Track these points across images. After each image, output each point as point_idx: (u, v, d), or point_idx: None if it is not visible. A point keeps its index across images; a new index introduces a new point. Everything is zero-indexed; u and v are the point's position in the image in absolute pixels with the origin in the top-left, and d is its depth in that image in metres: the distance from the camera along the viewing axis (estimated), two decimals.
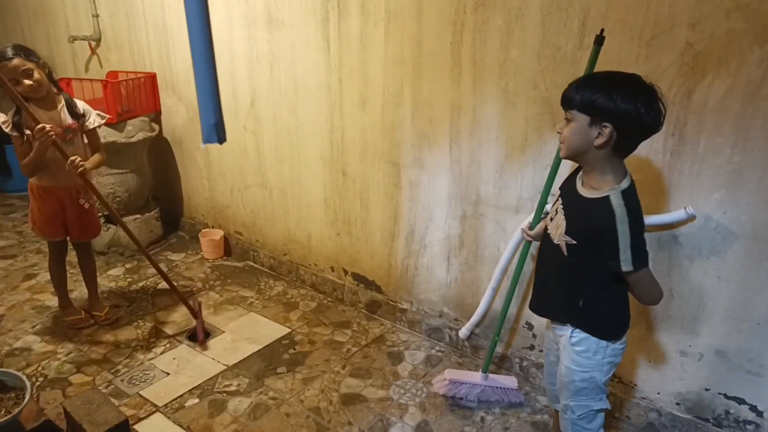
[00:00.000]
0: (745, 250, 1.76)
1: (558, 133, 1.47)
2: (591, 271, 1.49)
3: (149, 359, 2.55)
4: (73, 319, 2.79)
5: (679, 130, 1.77)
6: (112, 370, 2.47)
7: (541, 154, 2.10)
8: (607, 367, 1.57)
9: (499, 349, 2.48)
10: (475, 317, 2.47)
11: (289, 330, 2.78)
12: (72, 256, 2.79)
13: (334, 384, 2.39)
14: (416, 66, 2.34)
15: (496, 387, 2.27)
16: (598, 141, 1.37)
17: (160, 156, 3.81)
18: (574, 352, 1.57)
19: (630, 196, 1.40)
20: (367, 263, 2.88)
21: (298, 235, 3.17)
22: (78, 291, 3.05)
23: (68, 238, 2.71)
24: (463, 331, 2.54)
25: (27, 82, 2.31)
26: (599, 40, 1.71)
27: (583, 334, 1.56)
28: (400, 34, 2.34)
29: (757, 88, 1.62)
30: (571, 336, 1.57)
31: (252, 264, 3.49)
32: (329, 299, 3.08)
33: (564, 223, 1.50)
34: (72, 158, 2.35)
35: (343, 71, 2.60)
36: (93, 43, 3.89)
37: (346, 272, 3.01)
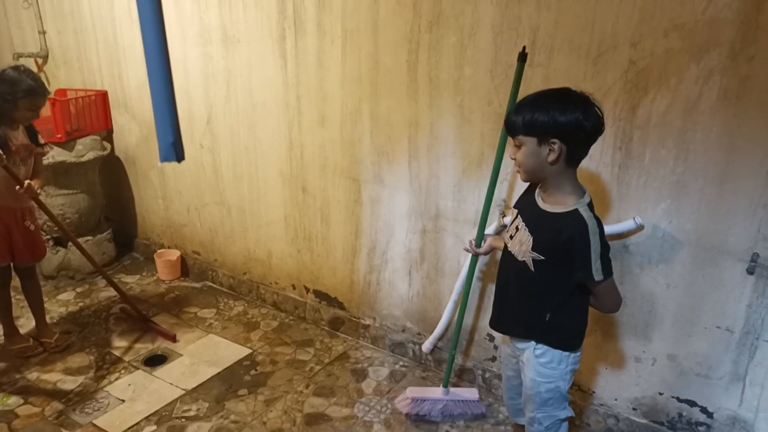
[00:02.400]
0: (691, 257, 1.85)
1: (512, 159, 1.49)
2: (557, 285, 1.52)
3: (103, 386, 2.45)
4: (20, 348, 2.66)
5: (626, 144, 1.85)
6: (63, 400, 2.36)
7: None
8: (569, 375, 1.61)
9: (461, 361, 2.50)
10: (437, 331, 2.49)
11: (250, 350, 2.73)
12: (15, 281, 2.67)
13: (297, 404, 2.36)
14: (374, 83, 2.37)
15: (458, 400, 2.28)
16: (551, 158, 1.40)
17: (112, 175, 3.70)
18: (539, 364, 1.60)
19: (593, 209, 1.45)
20: (329, 280, 2.87)
21: (258, 253, 3.13)
22: (24, 317, 2.91)
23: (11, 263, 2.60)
24: (426, 345, 2.55)
25: (38, 115, 2.42)
26: (522, 57, 1.80)
27: (547, 346, 1.59)
28: (357, 52, 2.37)
29: (695, 104, 1.71)
30: (535, 349, 1.60)
31: (210, 284, 3.42)
32: (291, 318, 3.04)
33: (530, 240, 1.51)
34: (27, 182, 2.33)
35: (301, 89, 2.60)
36: (39, 61, 3.76)
37: (307, 290, 2.98)
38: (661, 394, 2.03)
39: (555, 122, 1.37)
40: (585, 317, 1.60)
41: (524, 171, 1.48)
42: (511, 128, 1.45)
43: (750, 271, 1.76)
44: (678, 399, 2.00)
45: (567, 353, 1.58)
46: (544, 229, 1.49)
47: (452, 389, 2.30)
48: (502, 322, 1.71)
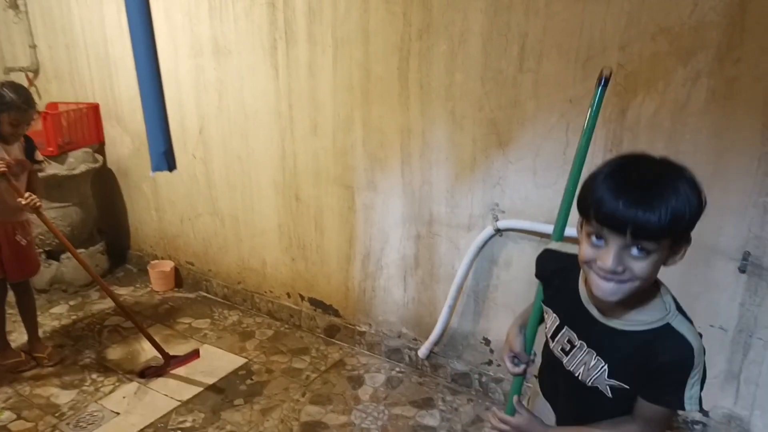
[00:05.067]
0: (683, 258, 1.86)
1: (616, 272, 0.96)
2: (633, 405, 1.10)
3: (97, 399, 2.42)
4: (12, 363, 2.62)
5: (616, 146, 1.87)
6: (57, 414, 2.33)
7: (489, 173, 2.17)
8: None
9: (458, 366, 2.50)
10: (433, 336, 2.49)
11: (246, 360, 2.72)
12: (9, 295, 2.64)
13: (294, 413, 2.34)
14: (365, 91, 2.38)
15: None
16: (674, 260, 1.01)
17: (104, 187, 3.69)
18: None
19: (685, 314, 1.04)
20: (324, 287, 2.86)
21: (252, 262, 3.12)
22: (17, 332, 2.88)
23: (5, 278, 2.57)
24: (422, 351, 2.55)
25: (22, 130, 2.38)
26: (603, 82, 1.16)
27: None
28: (348, 61, 2.38)
29: (683, 106, 1.74)
30: None
31: (205, 294, 3.40)
32: (286, 326, 3.03)
33: (603, 366, 1.09)
34: (27, 195, 2.32)
35: (293, 98, 2.61)
36: (31, 75, 3.76)
37: (302, 298, 2.98)
38: None
39: (696, 215, 0.96)
40: None
41: (636, 286, 0.98)
42: (642, 230, 0.93)
43: (742, 270, 1.77)
44: None
45: None
46: (624, 354, 1.06)
47: None
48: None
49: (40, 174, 2.63)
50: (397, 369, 2.64)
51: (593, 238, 0.98)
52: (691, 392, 1.01)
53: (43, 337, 2.84)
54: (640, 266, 0.96)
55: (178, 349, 2.79)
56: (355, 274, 2.71)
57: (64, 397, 2.44)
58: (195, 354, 2.68)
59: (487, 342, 2.40)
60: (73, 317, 3.13)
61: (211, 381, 2.54)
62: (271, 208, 2.91)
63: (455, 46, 2.10)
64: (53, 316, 3.14)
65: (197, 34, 2.84)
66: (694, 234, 1.57)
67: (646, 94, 1.79)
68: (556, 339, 1.17)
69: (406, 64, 2.24)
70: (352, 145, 2.50)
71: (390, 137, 2.38)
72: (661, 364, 1.02)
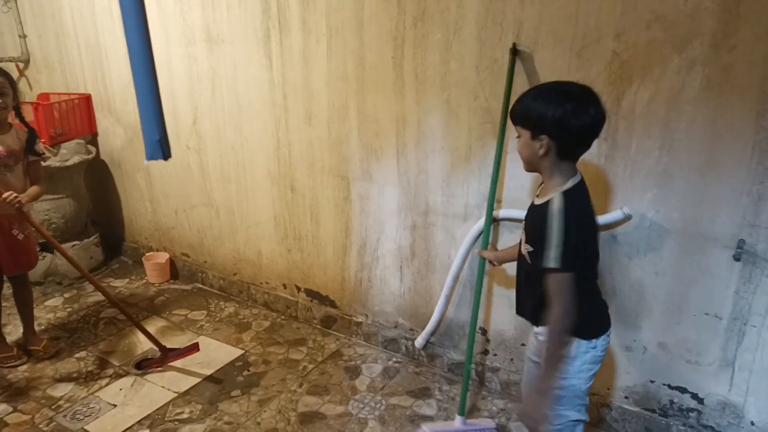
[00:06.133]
0: (678, 245, 1.87)
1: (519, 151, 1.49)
2: None
3: (94, 392, 2.42)
4: (3, 357, 2.61)
5: (612, 135, 1.87)
6: (53, 406, 2.33)
7: (485, 163, 2.16)
8: (586, 373, 1.52)
9: (454, 355, 2.51)
10: (429, 326, 2.49)
11: (243, 351, 2.72)
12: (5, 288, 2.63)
13: (291, 403, 2.35)
14: (360, 80, 2.36)
15: (475, 431, 2.16)
16: (541, 152, 1.41)
17: (98, 179, 3.67)
18: None
19: (572, 196, 1.41)
20: (320, 278, 2.86)
21: (247, 253, 3.12)
22: (12, 325, 2.87)
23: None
24: (419, 341, 2.55)
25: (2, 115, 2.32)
26: (513, 50, 1.84)
27: None
28: (343, 50, 2.36)
29: (678, 94, 1.73)
30: None
31: (200, 286, 3.39)
32: (283, 317, 3.03)
33: (524, 234, 1.56)
34: (5, 195, 2.27)
35: (287, 87, 2.59)
36: (21, 65, 3.72)
37: (299, 289, 2.97)
38: (652, 381, 2.05)
39: (541, 116, 1.38)
40: (595, 303, 1.55)
41: (523, 161, 1.49)
42: (512, 118, 1.48)
43: (737, 258, 1.78)
44: (669, 386, 2.03)
45: (584, 348, 1.49)
46: (531, 222, 1.53)
47: (468, 421, 2.17)
48: (519, 306, 1.68)
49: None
50: (394, 359, 2.65)
51: None
52: (553, 252, 1.37)
53: (38, 329, 2.83)
54: (518, 144, 1.47)
55: (174, 341, 2.79)
56: (351, 264, 2.71)
57: (60, 390, 2.44)
58: (194, 347, 2.66)
59: (484, 331, 2.40)
60: (69, 309, 3.12)
61: (208, 372, 2.55)
62: (266, 198, 2.90)
63: (450, 34, 2.08)
64: (48, 309, 3.13)
65: (189, 22, 2.81)
66: (687, 222, 1.71)
67: (641, 83, 1.78)
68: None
69: (401, 52, 2.22)
70: (347, 135, 2.49)
71: (385, 126, 2.37)
72: (539, 229, 1.41)
